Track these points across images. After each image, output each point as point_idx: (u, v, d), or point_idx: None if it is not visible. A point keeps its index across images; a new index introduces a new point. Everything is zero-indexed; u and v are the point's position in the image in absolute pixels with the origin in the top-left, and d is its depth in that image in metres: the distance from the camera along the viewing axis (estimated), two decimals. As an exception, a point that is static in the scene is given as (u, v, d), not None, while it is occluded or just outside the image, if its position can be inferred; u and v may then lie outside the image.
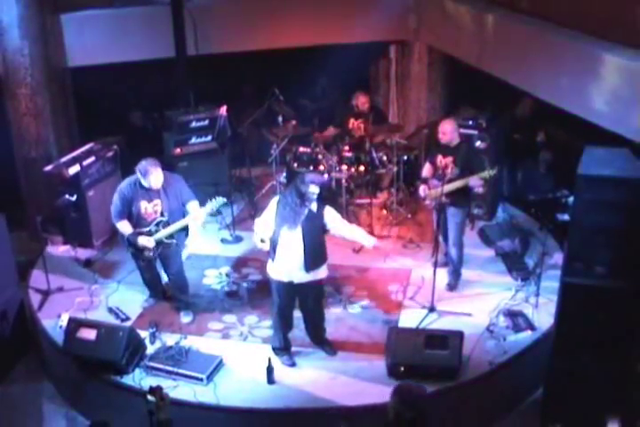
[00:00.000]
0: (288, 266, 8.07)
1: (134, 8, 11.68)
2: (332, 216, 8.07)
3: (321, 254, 8.19)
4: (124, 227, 8.68)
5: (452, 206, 9.28)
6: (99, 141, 10.98)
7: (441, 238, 9.63)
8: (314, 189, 7.80)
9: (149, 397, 6.45)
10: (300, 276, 8.10)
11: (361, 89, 11.81)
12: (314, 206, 7.95)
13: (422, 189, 9.46)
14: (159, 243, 8.70)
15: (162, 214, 8.67)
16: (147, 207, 8.64)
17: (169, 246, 8.80)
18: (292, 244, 7.97)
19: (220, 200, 8.67)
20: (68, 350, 8.41)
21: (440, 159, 9.31)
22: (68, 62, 11.47)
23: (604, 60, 8.93)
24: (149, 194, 8.62)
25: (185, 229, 8.92)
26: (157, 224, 8.66)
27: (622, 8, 8.93)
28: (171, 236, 8.73)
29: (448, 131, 9.26)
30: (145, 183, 8.54)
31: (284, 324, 8.48)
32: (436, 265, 9.22)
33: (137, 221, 8.69)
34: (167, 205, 8.65)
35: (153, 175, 8.46)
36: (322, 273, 8.26)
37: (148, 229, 8.66)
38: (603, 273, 7.40)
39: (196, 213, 8.66)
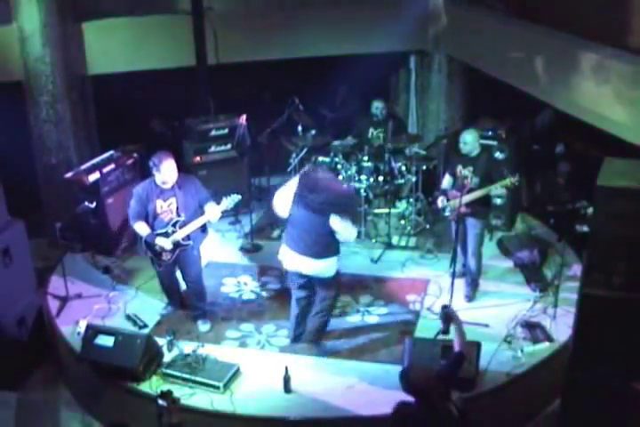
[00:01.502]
0: (291, 251, 8.34)
1: (155, 17, 11.73)
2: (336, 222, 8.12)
3: (325, 246, 8.24)
4: (141, 228, 8.69)
5: (471, 217, 9.26)
6: (119, 149, 11.02)
7: (459, 249, 9.62)
8: None
9: (160, 401, 6.48)
10: (305, 265, 8.29)
11: (377, 97, 11.80)
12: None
13: (440, 200, 9.43)
14: (176, 245, 8.72)
15: (178, 214, 8.68)
16: (162, 206, 8.66)
17: (186, 249, 8.81)
18: (296, 226, 8.24)
19: (235, 197, 8.73)
20: (85, 357, 8.43)
21: (460, 169, 9.27)
22: (88, 70, 11.57)
23: (625, 72, 8.92)
24: (164, 192, 8.65)
25: (202, 232, 8.96)
26: (174, 225, 8.66)
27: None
28: (187, 237, 8.74)
29: (470, 141, 9.22)
30: (159, 177, 8.56)
31: (294, 317, 8.79)
32: (454, 276, 9.23)
33: (153, 221, 8.71)
34: (182, 203, 8.66)
35: (165, 165, 8.47)
36: (326, 267, 8.32)
37: (164, 230, 8.67)
38: (621, 284, 7.36)
39: (212, 211, 8.68)
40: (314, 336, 8.79)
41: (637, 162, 7.65)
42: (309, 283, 8.55)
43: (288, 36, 12.20)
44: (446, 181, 9.58)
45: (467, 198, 9.01)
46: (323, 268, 8.33)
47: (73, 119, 11.24)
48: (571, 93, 9.87)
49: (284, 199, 8.40)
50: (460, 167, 9.29)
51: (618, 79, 9.03)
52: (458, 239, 9.45)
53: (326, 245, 8.25)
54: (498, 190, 9.06)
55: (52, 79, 10.87)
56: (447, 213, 9.42)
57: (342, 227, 8.14)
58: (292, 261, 8.41)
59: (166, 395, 6.62)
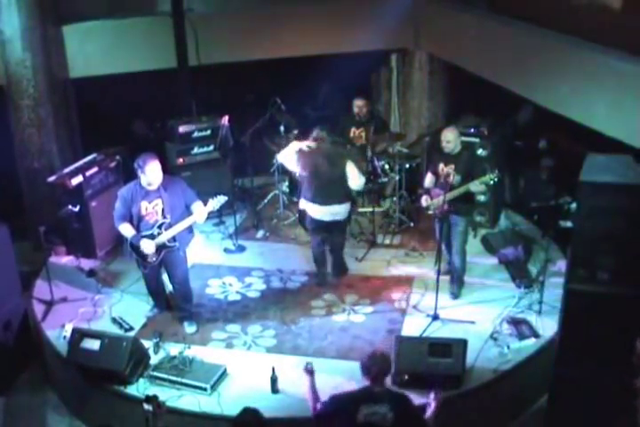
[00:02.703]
0: (315, 204, 9.64)
1: (135, 19, 11.71)
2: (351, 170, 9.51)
3: (344, 192, 9.64)
4: (126, 230, 8.68)
5: (455, 215, 9.26)
6: (101, 152, 10.98)
7: (443, 247, 9.64)
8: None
9: (146, 405, 6.46)
10: (331, 211, 9.62)
11: (358, 95, 11.79)
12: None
13: (424, 199, 9.43)
14: (162, 246, 8.71)
15: (163, 215, 8.67)
16: (147, 207, 8.65)
17: (171, 250, 8.80)
18: (319, 180, 9.54)
19: (222, 198, 8.71)
20: (71, 361, 8.41)
21: (442, 167, 9.29)
22: (70, 73, 11.52)
23: (606, 67, 8.96)
24: (149, 194, 8.63)
25: (188, 233, 8.96)
26: (160, 226, 8.64)
27: (622, 16, 8.97)
28: (173, 239, 8.73)
29: (451, 139, 9.21)
30: (144, 179, 8.54)
31: (317, 262, 10.11)
32: (439, 273, 9.24)
33: (138, 222, 8.70)
34: (168, 204, 8.64)
35: (150, 166, 8.47)
36: (346, 211, 9.76)
37: (150, 232, 8.66)
38: (606, 279, 7.39)
39: (199, 213, 8.67)
40: (341, 267, 10.23)
41: (619, 157, 7.68)
42: (327, 229, 9.80)
43: (269, 37, 12.18)
44: (428, 180, 9.58)
45: (448, 196, 9.01)
46: (344, 212, 9.71)
47: (55, 123, 11.18)
48: (551, 89, 9.90)
49: (289, 158, 9.87)
50: (441, 165, 9.31)
51: (600, 74, 9.06)
52: (442, 238, 9.47)
53: (345, 192, 9.65)
54: (477, 187, 9.07)
55: (34, 83, 10.81)
56: (431, 212, 9.42)
57: (356, 173, 9.51)
58: (318, 211, 9.65)
59: (151, 400, 6.60)
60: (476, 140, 10.88)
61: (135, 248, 8.73)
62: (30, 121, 10.99)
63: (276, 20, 12.24)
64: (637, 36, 8.84)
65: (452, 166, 9.19)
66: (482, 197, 10.60)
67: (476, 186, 9.05)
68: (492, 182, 9.00)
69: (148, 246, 8.62)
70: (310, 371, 6.83)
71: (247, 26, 12.09)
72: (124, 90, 11.78)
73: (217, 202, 8.70)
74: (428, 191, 9.48)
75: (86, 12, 11.49)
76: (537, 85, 10.23)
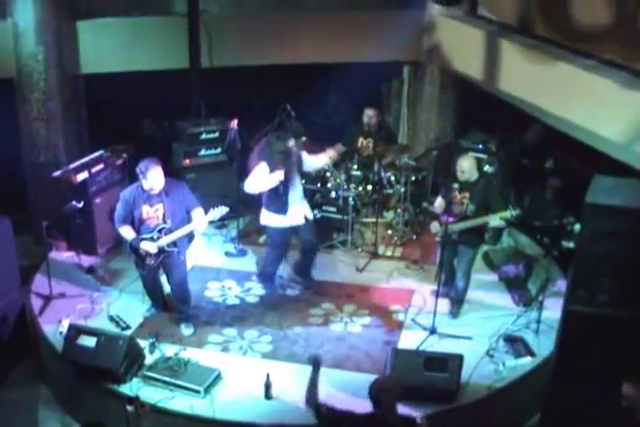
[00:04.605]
0: (285, 212, 9.54)
1: (151, 18, 11.73)
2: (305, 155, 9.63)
3: (301, 191, 9.79)
4: (127, 232, 8.70)
5: (463, 245, 9.17)
6: (108, 149, 10.98)
7: (445, 270, 9.46)
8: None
9: (128, 407, 6.48)
10: (303, 212, 9.66)
11: (370, 105, 11.79)
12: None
13: (434, 226, 9.29)
14: (161, 251, 8.72)
15: (164, 220, 8.68)
16: (148, 211, 8.66)
17: (170, 255, 8.80)
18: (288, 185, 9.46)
19: (223, 209, 8.72)
20: (66, 357, 8.41)
21: (455, 195, 9.04)
22: (81, 69, 11.53)
23: (617, 90, 8.95)
24: (151, 198, 8.65)
25: (188, 237, 8.96)
26: (160, 231, 8.66)
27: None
28: (173, 243, 8.73)
29: (467, 168, 8.97)
30: (146, 184, 8.56)
31: (280, 261, 10.09)
32: (439, 287, 9.24)
33: (139, 226, 8.71)
34: (169, 209, 8.66)
35: (152, 172, 8.47)
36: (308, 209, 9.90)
37: (150, 235, 8.67)
38: (605, 302, 7.40)
39: (199, 221, 8.67)
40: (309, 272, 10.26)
41: (626, 180, 7.69)
42: (294, 231, 9.82)
43: (283, 42, 12.19)
44: (439, 205, 9.37)
45: (461, 226, 8.96)
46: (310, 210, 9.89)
47: (63, 118, 11.20)
48: (562, 109, 9.90)
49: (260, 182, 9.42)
50: (456, 193, 9.05)
51: (609, 95, 9.06)
52: (444, 266, 9.30)
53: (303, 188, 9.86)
54: (496, 221, 8.98)
55: (45, 77, 10.82)
56: (439, 239, 9.15)
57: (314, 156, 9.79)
58: (290, 218, 9.57)
59: (133, 401, 6.64)
60: (484, 156, 10.88)
61: (135, 250, 8.73)
62: (39, 115, 11.00)
63: (289, 26, 12.25)
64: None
65: (467, 195, 9.00)
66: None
67: (495, 220, 8.94)
68: (512, 218, 8.93)
69: (149, 247, 8.63)
70: (316, 362, 6.64)
71: (261, 30, 12.10)
72: (135, 88, 11.77)
73: (218, 212, 8.70)
74: (437, 217, 9.33)
75: (102, 9, 11.47)
76: (547, 104, 10.22)
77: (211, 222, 9.07)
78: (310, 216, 9.85)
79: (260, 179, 9.33)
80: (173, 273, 9.03)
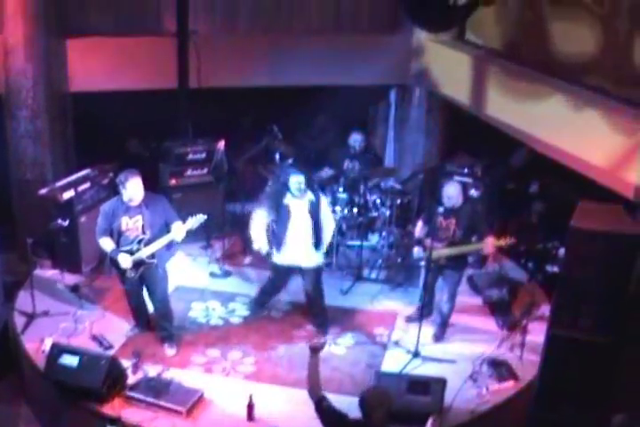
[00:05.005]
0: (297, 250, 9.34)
1: (140, 37, 11.76)
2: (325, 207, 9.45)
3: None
4: (106, 243, 8.76)
5: (449, 269, 9.20)
6: (95, 167, 10.98)
7: (429, 293, 9.50)
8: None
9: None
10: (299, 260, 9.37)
11: (357, 129, 11.82)
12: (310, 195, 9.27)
13: (417, 251, 9.32)
14: (140, 263, 8.73)
15: (143, 231, 8.71)
16: (128, 223, 8.71)
17: (150, 267, 8.82)
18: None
19: (201, 218, 8.78)
20: (49, 376, 8.36)
21: (441, 220, 9.08)
22: (70, 87, 11.53)
23: (603, 116, 9.01)
24: (130, 209, 8.70)
25: (169, 251, 9.00)
26: (139, 242, 8.69)
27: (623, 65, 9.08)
28: (152, 255, 8.75)
29: (454, 195, 9.01)
30: (125, 194, 8.61)
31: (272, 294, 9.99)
32: (422, 310, 9.25)
33: (118, 237, 8.76)
34: (148, 221, 8.71)
35: (131, 182, 8.54)
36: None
37: (129, 247, 8.70)
38: (588, 326, 7.44)
39: (177, 230, 8.71)
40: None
41: (610, 206, 7.74)
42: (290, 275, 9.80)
43: (271, 64, 12.26)
44: (420, 229, 9.42)
45: (451, 251, 8.99)
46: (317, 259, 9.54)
47: (51, 135, 11.16)
48: (548, 134, 9.95)
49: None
50: (441, 219, 9.09)
51: (596, 122, 9.11)
52: (427, 290, 9.37)
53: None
54: (489, 249, 9.04)
55: (32, 94, 10.79)
56: (423, 263, 9.19)
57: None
58: (284, 257, 9.48)
59: (116, 421, 6.63)
60: (469, 180, 10.92)
61: (115, 263, 8.77)
62: (26, 132, 10.95)
63: (278, 48, 12.32)
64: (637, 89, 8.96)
65: (453, 221, 9.04)
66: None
67: (488, 248, 8.99)
68: (506, 247, 8.98)
69: (124, 261, 8.66)
70: (316, 348, 6.62)
71: (250, 52, 12.16)
72: (123, 107, 11.78)
73: (196, 220, 8.78)
74: (420, 242, 9.34)
75: (92, 27, 11.52)
76: (533, 129, 10.27)
77: (191, 234, 9.06)
78: (311, 265, 9.46)
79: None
80: (154, 287, 9.03)
